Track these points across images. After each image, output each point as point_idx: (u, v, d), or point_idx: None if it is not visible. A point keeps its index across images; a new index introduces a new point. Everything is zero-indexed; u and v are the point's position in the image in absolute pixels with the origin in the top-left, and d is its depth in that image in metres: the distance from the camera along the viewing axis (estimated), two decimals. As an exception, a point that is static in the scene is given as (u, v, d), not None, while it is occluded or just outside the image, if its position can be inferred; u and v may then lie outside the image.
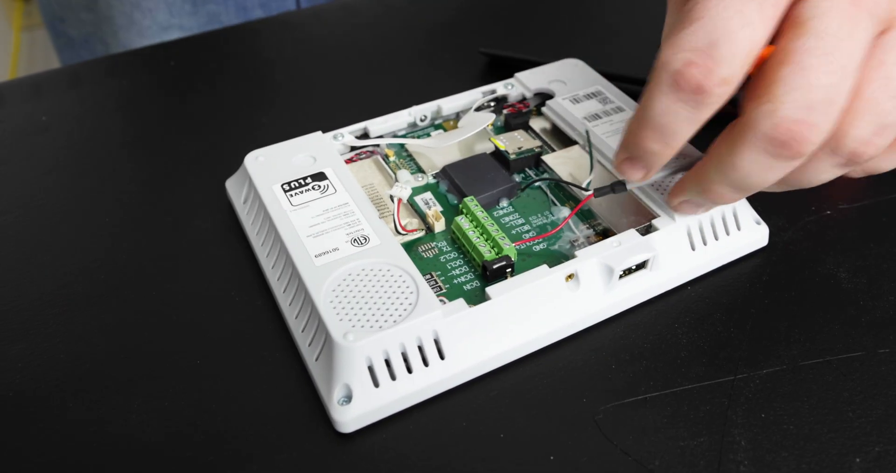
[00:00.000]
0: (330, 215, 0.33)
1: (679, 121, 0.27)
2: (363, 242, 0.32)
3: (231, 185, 0.38)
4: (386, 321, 0.28)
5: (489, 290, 0.30)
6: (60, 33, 0.66)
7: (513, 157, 0.37)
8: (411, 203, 0.36)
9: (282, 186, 0.35)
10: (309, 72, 0.49)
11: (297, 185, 0.35)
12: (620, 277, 0.32)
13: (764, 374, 0.31)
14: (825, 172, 0.28)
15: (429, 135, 0.40)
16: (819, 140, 0.25)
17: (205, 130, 0.44)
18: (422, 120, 0.40)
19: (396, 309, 0.29)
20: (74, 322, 0.33)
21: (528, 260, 0.33)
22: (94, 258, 0.36)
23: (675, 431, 0.29)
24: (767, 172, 0.26)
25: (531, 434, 0.29)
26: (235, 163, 0.39)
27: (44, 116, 0.46)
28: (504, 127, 0.41)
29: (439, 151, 0.38)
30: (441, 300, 0.30)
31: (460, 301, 0.30)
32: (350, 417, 0.28)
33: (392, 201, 0.33)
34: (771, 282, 0.34)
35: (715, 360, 0.31)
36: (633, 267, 0.32)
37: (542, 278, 0.31)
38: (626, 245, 0.32)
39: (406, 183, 0.35)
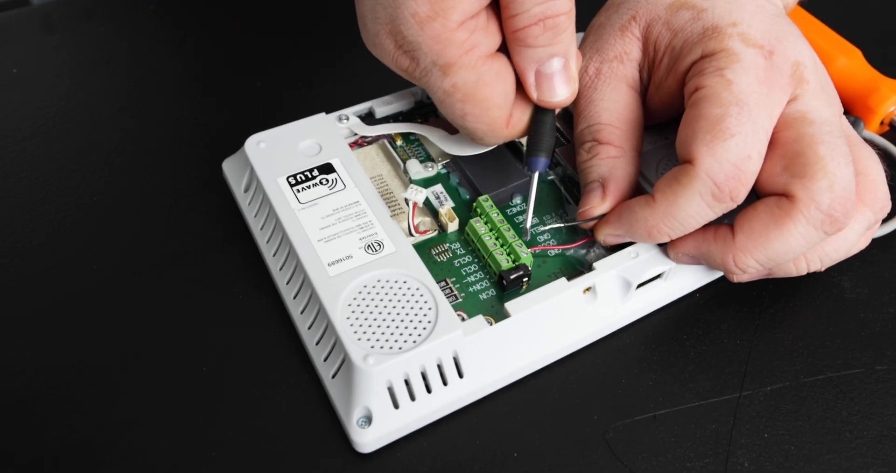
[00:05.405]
0: (341, 216, 0.32)
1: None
2: (377, 248, 0.31)
3: (229, 166, 0.36)
4: (406, 342, 0.28)
5: (508, 307, 0.30)
6: None
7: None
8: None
9: (287, 179, 0.33)
10: (311, 42, 0.46)
11: (303, 178, 0.33)
12: (636, 288, 0.32)
13: (768, 391, 0.31)
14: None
15: (436, 115, 0.38)
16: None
17: (195, 93, 0.42)
18: (428, 98, 0.38)
19: (416, 328, 0.28)
20: (66, 326, 0.32)
21: (544, 266, 0.32)
22: (84, 251, 0.35)
23: (682, 451, 0.29)
24: (707, 214, 0.29)
25: (544, 452, 0.29)
26: (230, 135, 0.37)
27: (14, 68, 0.42)
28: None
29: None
30: (459, 315, 0.30)
31: (479, 319, 0.29)
32: (370, 438, 0.28)
33: (407, 204, 0.32)
34: (776, 290, 0.35)
35: (721, 375, 0.32)
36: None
37: (560, 292, 0.30)
38: (643, 256, 0.32)
39: (419, 185, 0.33)
